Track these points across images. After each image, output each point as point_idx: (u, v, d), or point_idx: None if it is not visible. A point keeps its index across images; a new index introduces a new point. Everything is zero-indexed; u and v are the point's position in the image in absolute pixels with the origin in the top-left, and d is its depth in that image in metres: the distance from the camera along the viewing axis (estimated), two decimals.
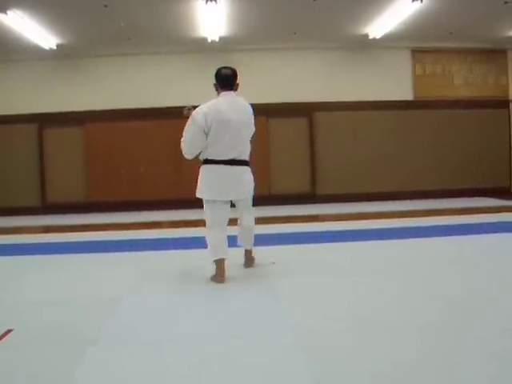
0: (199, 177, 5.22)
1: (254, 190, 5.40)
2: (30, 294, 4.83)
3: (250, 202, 5.47)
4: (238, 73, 5.26)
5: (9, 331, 3.64)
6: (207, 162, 5.17)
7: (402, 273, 5.17)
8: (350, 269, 5.48)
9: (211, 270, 5.15)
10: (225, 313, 4.04)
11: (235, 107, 5.15)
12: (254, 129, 5.36)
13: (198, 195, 5.21)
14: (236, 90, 5.25)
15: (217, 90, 5.31)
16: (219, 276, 5.03)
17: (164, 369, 2.97)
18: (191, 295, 4.63)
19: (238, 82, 5.24)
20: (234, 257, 5.55)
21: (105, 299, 4.49)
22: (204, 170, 5.21)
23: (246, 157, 5.25)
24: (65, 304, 4.39)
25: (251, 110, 5.30)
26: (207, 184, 5.14)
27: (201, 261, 6.07)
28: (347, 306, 4.11)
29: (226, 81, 5.22)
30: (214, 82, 5.26)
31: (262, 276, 5.30)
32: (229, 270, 5.17)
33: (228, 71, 5.24)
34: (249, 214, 5.49)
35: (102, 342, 3.44)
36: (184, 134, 5.28)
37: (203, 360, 3.06)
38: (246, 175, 5.23)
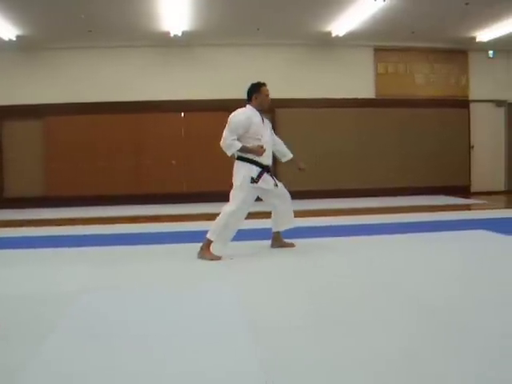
0: None
1: None
2: None
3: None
4: (255, 87, 6.10)
5: None
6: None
7: (352, 272, 5.21)
8: (306, 266, 5.47)
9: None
10: (181, 310, 3.97)
11: None
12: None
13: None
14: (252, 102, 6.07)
15: None
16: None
17: (112, 366, 2.92)
18: (147, 291, 4.56)
19: (254, 95, 6.05)
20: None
21: (60, 295, 4.42)
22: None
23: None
24: (18, 299, 4.31)
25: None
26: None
27: (159, 256, 6.05)
28: (304, 303, 4.09)
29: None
30: None
31: (219, 272, 5.27)
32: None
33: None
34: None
35: (53, 337, 3.38)
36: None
37: (153, 359, 3.02)
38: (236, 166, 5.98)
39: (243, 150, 5.79)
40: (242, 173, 5.86)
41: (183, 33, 11.50)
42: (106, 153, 12.47)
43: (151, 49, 12.52)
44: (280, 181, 6.16)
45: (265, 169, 5.92)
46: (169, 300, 4.26)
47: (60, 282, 4.94)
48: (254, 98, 6.02)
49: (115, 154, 12.47)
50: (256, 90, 6.04)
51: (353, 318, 3.66)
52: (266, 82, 6.13)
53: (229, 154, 5.86)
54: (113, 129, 12.45)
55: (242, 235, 6.15)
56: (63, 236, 7.93)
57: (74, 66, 12.47)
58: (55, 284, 4.88)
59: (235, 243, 6.29)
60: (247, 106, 6.06)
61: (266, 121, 6.17)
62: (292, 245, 6.38)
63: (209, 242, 5.82)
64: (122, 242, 7.22)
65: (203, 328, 3.52)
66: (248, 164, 5.87)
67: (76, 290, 4.57)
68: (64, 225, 9.25)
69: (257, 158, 5.86)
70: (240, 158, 5.91)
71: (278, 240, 6.39)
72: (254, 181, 5.82)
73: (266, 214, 6.48)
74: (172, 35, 11.55)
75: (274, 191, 6.03)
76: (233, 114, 5.93)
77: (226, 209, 5.83)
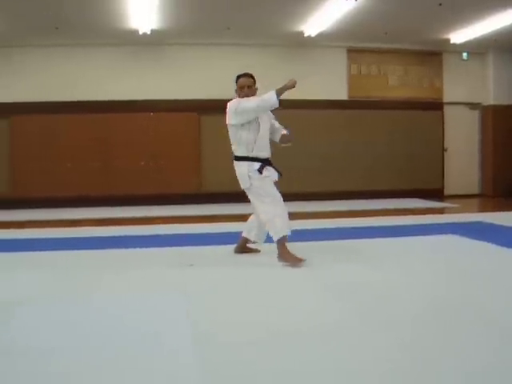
0: None
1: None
2: None
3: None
4: (235, 79, 6.01)
5: None
6: None
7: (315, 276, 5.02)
8: (273, 273, 5.30)
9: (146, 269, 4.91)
10: (122, 324, 3.74)
11: None
12: (232, 123, 5.76)
13: None
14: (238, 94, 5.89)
15: (256, 92, 5.92)
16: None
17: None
18: (95, 299, 4.34)
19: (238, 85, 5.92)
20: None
21: (4, 303, 4.19)
22: None
23: (236, 153, 5.79)
24: None
25: (229, 107, 5.76)
26: None
27: (117, 262, 5.85)
28: (258, 314, 3.91)
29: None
30: (255, 84, 5.96)
31: (175, 279, 5.08)
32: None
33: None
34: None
35: None
36: None
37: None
38: (236, 169, 5.80)
39: (280, 93, 5.55)
40: (245, 173, 5.67)
41: (152, 31, 11.26)
42: (73, 153, 12.15)
43: (120, 47, 12.25)
44: None
45: (264, 162, 5.76)
46: (110, 313, 4.01)
47: (18, 289, 4.72)
48: (235, 90, 5.93)
49: (83, 154, 12.16)
50: (236, 81, 5.94)
51: (309, 334, 3.47)
52: (244, 73, 6.00)
53: (275, 105, 5.55)
54: (81, 128, 12.16)
55: (208, 239, 6.00)
56: (20, 239, 7.68)
57: (40, 63, 12.16)
58: (10, 291, 4.66)
59: (200, 248, 6.16)
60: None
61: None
62: (257, 250, 6.18)
63: (281, 244, 5.53)
64: (84, 245, 7.00)
65: (142, 342, 3.32)
66: (246, 162, 5.70)
67: (17, 300, 4.35)
68: (25, 227, 9.02)
69: (253, 154, 5.70)
70: (237, 158, 5.78)
71: (243, 245, 6.19)
72: (259, 171, 5.65)
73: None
74: (141, 33, 11.32)
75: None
76: (230, 102, 5.79)
77: (262, 215, 5.63)
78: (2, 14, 10.32)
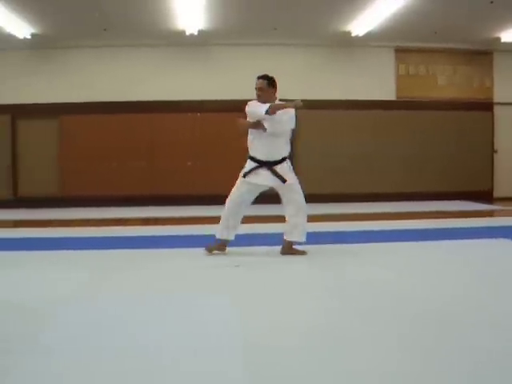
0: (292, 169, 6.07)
1: None
2: None
3: None
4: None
5: None
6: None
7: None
8: (318, 277, 5.20)
9: (190, 269, 5.00)
10: (175, 322, 3.73)
11: None
12: None
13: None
14: None
15: (271, 93, 6.05)
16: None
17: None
18: (145, 301, 4.33)
19: None
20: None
21: (49, 302, 4.23)
22: None
23: None
24: (5, 306, 4.12)
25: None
26: None
27: (166, 262, 5.86)
28: (306, 316, 3.85)
29: None
30: (272, 87, 6.06)
31: (222, 280, 5.04)
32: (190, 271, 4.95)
33: None
34: None
35: (31, 350, 3.19)
36: None
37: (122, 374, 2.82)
38: None
39: (274, 108, 5.78)
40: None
41: (199, 32, 11.30)
42: (120, 152, 12.30)
43: (166, 48, 12.33)
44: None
45: (261, 164, 5.92)
46: (158, 312, 4.01)
47: (55, 288, 4.76)
48: None
49: (129, 153, 12.30)
50: None
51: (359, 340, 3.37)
52: (260, 75, 6.15)
53: (263, 113, 5.73)
54: (127, 128, 12.29)
55: (253, 240, 5.98)
56: (70, 238, 7.78)
57: (88, 64, 12.33)
58: (48, 290, 4.70)
59: (244, 248, 6.13)
60: None
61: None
62: (303, 252, 6.13)
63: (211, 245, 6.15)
64: (130, 244, 7.05)
65: (189, 344, 3.29)
66: (248, 160, 6.06)
67: (67, 297, 4.39)
68: (76, 226, 9.14)
69: (252, 154, 5.99)
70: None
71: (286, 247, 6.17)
72: (244, 175, 5.96)
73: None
74: (188, 34, 11.36)
75: (280, 189, 5.99)
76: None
77: None
78: (51, 17, 10.50)
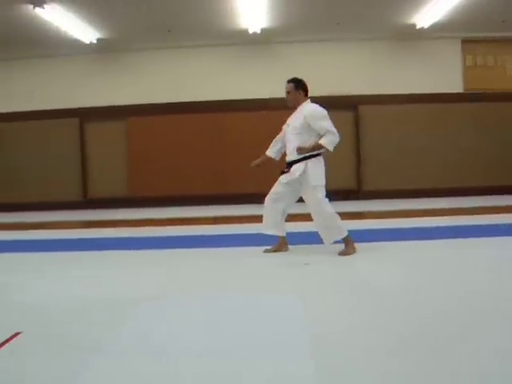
0: (319, 165, 5.93)
1: None
2: (48, 293, 4.67)
3: None
4: None
5: (16, 334, 3.47)
6: (319, 154, 5.94)
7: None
8: (394, 275, 5.07)
9: (259, 268, 5.24)
10: (243, 323, 3.70)
11: None
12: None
13: (322, 183, 5.91)
14: None
15: (299, 95, 6.03)
16: (352, 248, 5.86)
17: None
18: (217, 300, 4.33)
19: None
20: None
21: (125, 301, 4.29)
22: (320, 160, 5.96)
23: None
24: (81, 305, 4.20)
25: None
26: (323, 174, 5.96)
27: (236, 260, 5.87)
28: (374, 315, 3.75)
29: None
30: (301, 90, 6.01)
31: (292, 278, 5.02)
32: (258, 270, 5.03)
33: None
34: None
35: (107, 348, 3.23)
36: (332, 126, 5.85)
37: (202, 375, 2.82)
38: None
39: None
40: None
41: (262, 30, 11.31)
42: (187, 152, 12.41)
43: (230, 47, 12.41)
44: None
45: (287, 164, 6.07)
46: (231, 310, 4.02)
47: (128, 287, 4.84)
48: None
49: (196, 153, 12.40)
50: None
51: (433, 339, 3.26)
52: (290, 78, 6.13)
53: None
54: (193, 128, 12.39)
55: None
56: (140, 238, 7.90)
57: (153, 66, 12.52)
58: (122, 288, 4.79)
59: (314, 246, 6.08)
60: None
61: (296, 115, 6.08)
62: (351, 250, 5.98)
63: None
64: (199, 244, 7.10)
65: (261, 341, 3.28)
66: None
67: (141, 295, 4.44)
68: (145, 226, 9.27)
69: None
70: None
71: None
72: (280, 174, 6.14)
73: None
74: (251, 32, 11.38)
75: (301, 192, 6.03)
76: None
77: None
78: (116, 21, 10.69)
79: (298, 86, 6.00)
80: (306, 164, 5.86)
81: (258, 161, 6.35)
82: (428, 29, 11.58)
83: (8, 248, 7.23)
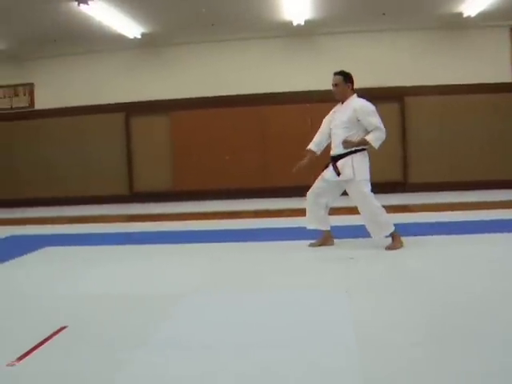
0: (364, 160, 5.89)
1: None
2: (95, 286, 4.79)
3: None
4: None
5: (62, 328, 3.55)
6: (364, 148, 5.90)
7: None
8: (443, 271, 4.96)
9: (303, 262, 5.27)
10: (288, 318, 3.71)
11: None
12: None
13: (367, 177, 5.87)
14: None
15: (348, 89, 5.96)
16: (399, 242, 5.83)
17: (206, 379, 2.76)
18: (260, 295, 4.33)
19: None
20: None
21: (169, 295, 4.37)
22: (365, 155, 5.92)
23: None
24: (126, 299, 4.29)
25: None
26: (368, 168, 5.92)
27: (280, 254, 5.86)
28: (419, 313, 3.68)
29: None
30: (349, 83, 5.95)
31: (336, 273, 4.98)
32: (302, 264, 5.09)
33: None
34: None
35: (150, 344, 3.28)
36: (381, 123, 5.81)
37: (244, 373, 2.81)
38: None
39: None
40: None
41: (306, 21, 11.21)
42: (231, 146, 12.43)
43: (274, 39, 12.34)
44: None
45: (331, 159, 6.03)
46: (276, 304, 4.03)
47: (171, 281, 4.91)
48: None
49: (240, 147, 12.40)
50: None
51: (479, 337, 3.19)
52: (337, 71, 6.08)
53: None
54: (237, 122, 12.40)
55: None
56: (185, 231, 7.95)
57: (197, 60, 12.54)
58: (166, 282, 4.87)
59: (358, 240, 6.04)
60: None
61: (343, 109, 5.99)
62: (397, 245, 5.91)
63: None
64: (242, 237, 7.11)
65: (305, 337, 3.27)
66: None
67: (184, 290, 4.50)
68: (189, 219, 9.31)
69: None
70: None
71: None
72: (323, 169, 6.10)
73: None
74: (295, 24, 11.29)
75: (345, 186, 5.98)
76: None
77: None
78: (160, 16, 10.73)
79: (347, 79, 5.95)
80: (352, 158, 5.79)
81: (305, 161, 6.16)
82: (475, 17, 11.30)
83: (58, 242, 7.36)
